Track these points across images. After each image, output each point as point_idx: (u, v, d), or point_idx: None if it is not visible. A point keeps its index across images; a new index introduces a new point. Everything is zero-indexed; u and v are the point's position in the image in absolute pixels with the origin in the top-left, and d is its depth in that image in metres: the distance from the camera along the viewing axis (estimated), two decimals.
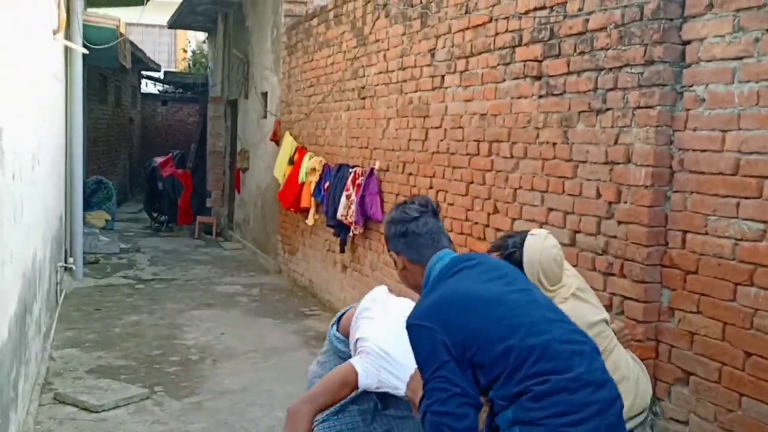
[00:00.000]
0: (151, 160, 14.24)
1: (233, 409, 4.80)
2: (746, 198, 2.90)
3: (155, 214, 13.46)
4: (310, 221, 7.68)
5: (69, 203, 8.03)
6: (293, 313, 7.44)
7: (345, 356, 2.81)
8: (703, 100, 3.10)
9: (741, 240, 2.92)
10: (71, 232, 8.09)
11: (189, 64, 22.13)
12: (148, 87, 21.44)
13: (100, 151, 14.72)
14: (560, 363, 2.01)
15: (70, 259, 7.69)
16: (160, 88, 21.36)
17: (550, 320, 2.13)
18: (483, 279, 2.21)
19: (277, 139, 9.19)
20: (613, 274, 3.51)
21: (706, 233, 3.08)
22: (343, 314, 3.01)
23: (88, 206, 10.79)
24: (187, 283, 8.80)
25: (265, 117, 10.17)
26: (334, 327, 2.99)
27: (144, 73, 19.12)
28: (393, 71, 5.97)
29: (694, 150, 3.14)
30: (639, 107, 3.34)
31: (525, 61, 4.20)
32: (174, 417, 4.63)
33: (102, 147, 14.90)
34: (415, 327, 2.15)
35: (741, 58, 2.92)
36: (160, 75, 18.77)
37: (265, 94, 10.18)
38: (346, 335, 2.88)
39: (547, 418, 1.94)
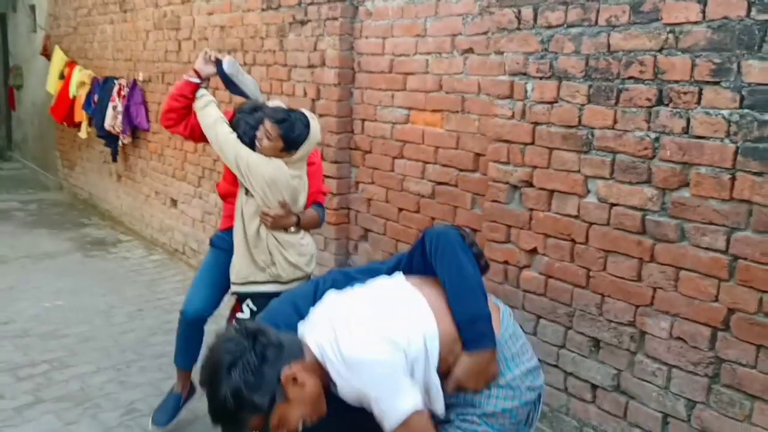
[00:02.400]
0: None
1: (1, 303, 5.13)
2: (397, 90, 3.75)
3: None
4: (83, 134, 7.83)
5: None
6: (71, 224, 7.67)
7: None
8: (371, 13, 3.88)
9: (395, 123, 3.79)
10: None
11: None
12: None
13: None
14: None
15: None
16: None
17: None
18: None
19: (47, 54, 9.04)
20: None
21: (376, 120, 3.92)
22: None
23: None
24: None
25: (34, 31, 9.87)
26: None
27: None
28: None
29: (366, 54, 3.94)
30: (329, 19, 4.07)
31: None
32: None
33: None
34: None
35: None
36: None
37: (32, 7, 9.85)
38: None
39: None
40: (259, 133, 2.93)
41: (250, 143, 2.96)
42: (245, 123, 3.02)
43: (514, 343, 2.01)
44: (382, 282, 2.04)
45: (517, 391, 1.95)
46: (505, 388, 1.94)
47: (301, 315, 1.94)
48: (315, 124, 3.00)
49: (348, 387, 1.76)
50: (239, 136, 2.98)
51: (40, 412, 3.61)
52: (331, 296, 1.97)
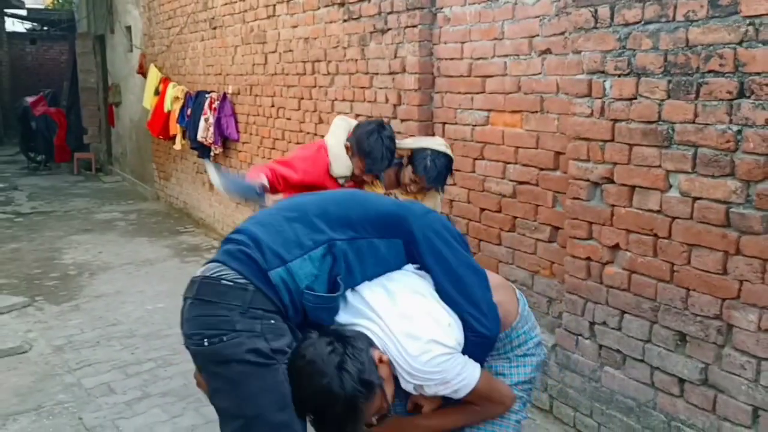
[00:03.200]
0: (22, 100, 14.14)
1: (107, 307, 5.51)
2: (476, 93, 3.83)
3: (31, 154, 13.52)
4: (177, 146, 8.26)
5: None
6: (168, 232, 8.11)
7: None
8: (449, 19, 3.98)
9: (475, 125, 3.87)
10: None
11: (56, 0, 21.41)
12: (15, 26, 20.66)
13: None
14: None
15: None
16: (28, 27, 20.63)
17: None
18: None
19: (143, 72, 9.58)
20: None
21: (456, 123, 4.02)
22: None
23: None
24: (65, 214, 9.25)
25: (131, 51, 10.47)
26: None
27: (7, 11, 18.47)
28: (236, 2, 6.59)
29: (445, 59, 4.04)
30: (408, 26, 4.20)
31: None
32: (54, 317, 5.31)
33: None
34: None
35: None
36: (24, 12, 18.19)
37: (129, 28, 10.46)
38: None
39: None
40: (405, 179, 3.11)
41: (388, 165, 3.10)
42: (381, 145, 3.03)
43: (530, 316, 2.12)
44: (405, 276, 1.94)
45: (536, 358, 2.08)
46: (529, 356, 2.06)
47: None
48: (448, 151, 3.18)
49: (408, 377, 1.81)
50: (377, 160, 3.02)
51: (148, 405, 3.88)
52: (366, 290, 1.89)
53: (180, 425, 3.65)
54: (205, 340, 1.76)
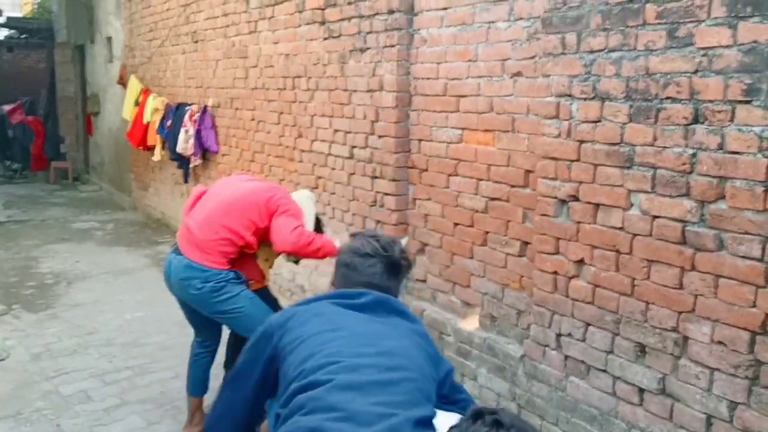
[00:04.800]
0: None
1: (86, 316, 5.56)
2: (451, 112, 3.98)
3: (7, 162, 13.46)
4: (156, 157, 8.32)
5: None
6: (146, 242, 8.16)
7: None
8: (426, 40, 4.13)
9: (450, 143, 4.01)
10: None
11: (35, 8, 21.29)
12: None
13: None
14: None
15: None
16: (6, 34, 20.50)
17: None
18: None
19: (123, 83, 9.63)
20: (377, 177, 4.55)
21: (431, 140, 4.16)
22: None
23: None
24: (42, 222, 9.25)
25: (111, 61, 10.53)
26: None
27: None
28: (218, 17, 6.70)
29: (422, 78, 4.19)
30: (386, 46, 4.34)
31: (313, 9, 5.09)
32: (31, 325, 5.35)
33: None
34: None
35: (445, 9, 3.96)
36: (2, 20, 18.08)
37: (110, 39, 10.52)
38: None
39: None
40: None
41: None
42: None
43: None
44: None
45: None
46: None
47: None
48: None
49: None
50: None
51: (126, 413, 3.95)
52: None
53: None
54: None
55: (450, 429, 1.48)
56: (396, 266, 2.06)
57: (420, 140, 4.26)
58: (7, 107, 13.65)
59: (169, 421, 3.85)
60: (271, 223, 3.45)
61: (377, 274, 2.02)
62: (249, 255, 3.57)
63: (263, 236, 3.50)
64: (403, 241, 3.56)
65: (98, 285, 6.41)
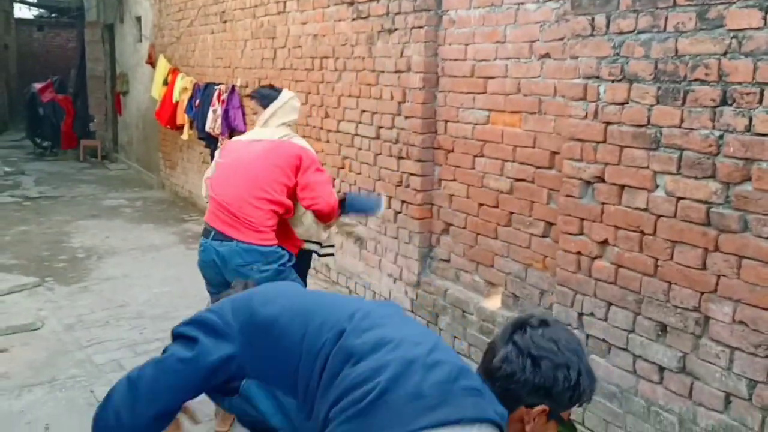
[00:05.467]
0: (30, 86, 14.30)
1: (116, 289, 5.70)
2: (478, 93, 4.01)
3: (38, 140, 13.69)
4: (184, 136, 8.43)
5: None
6: (173, 220, 8.30)
7: None
8: (454, 21, 4.16)
9: (476, 124, 4.05)
10: None
11: None
12: (22, 12, 20.83)
13: None
14: None
15: None
16: (36, 13, 20.81)
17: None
18: None
19: (152, 62, 9.75)
20: (403, 157, 4.61)
21: (458, 121, 4.20)
22: None
23: None
24: (72, 199, 9.43)
25: (140, 41, 10.65)
26: None
27: None
28: None
29: (449, 59, 4.22)
30: (414, 27, 4.38)
31: None
32: (63, 297, 5.50)
33: None
34: None
35: None
36: None
37: (139, 18, 10.63)
38: None
39: None
40: None
41: None
42: None
43: None
44: None
45: None
46: None
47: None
48: None
49: None
50: None
51: None
52: None
53: None
54: None
55: (504, 327, 1.59)
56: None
57: (446, 121, 4.30)
58: (37, 85, 13.88)
59: None
60: (304, 178, 3.33)
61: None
62: (286, 224, 3.49)
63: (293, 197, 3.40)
64: (383, 200, 3.80)
65: (127, 260, 6.55)
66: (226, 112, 7.17)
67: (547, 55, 3.56)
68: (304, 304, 1.73)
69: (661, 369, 2.96)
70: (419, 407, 1.40)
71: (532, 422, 1.53)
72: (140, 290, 5.67)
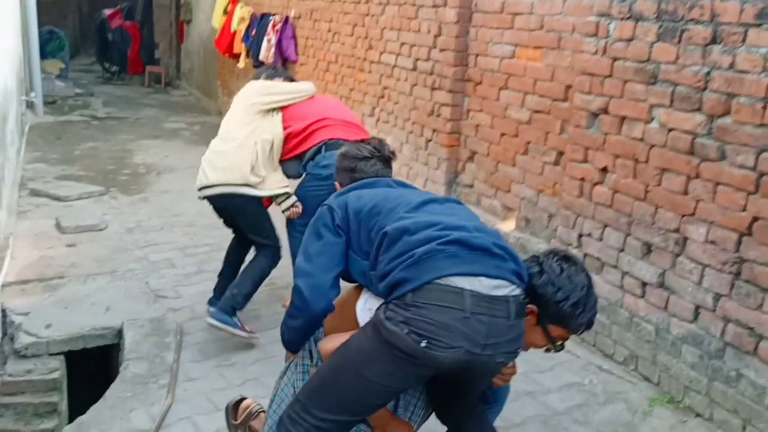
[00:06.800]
0: (100, 12, 14.88)
1: (172, 201, 6.24)
2: (506, 29, 4.27)
3: (107, 64, 14.34)
4: (241, 64, 8.85)
5: (26, 48, 9.00)
6: None
7: None
8: None
9: (503, 58, 4.32)
10: (30, 73, 9.12)
11: None
12: None
13: (50, 2, 15.25)
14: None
15: (32, 93, 8.78)
16: None
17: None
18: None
19: None
20: (436, 88, 4.91)
21: (487, 55, 4.47)
22: None
23: (42, 55, 11.63)
24: (136, 121, 10.03)
25: None
26: None
27: None
28: None
29: None
30: None
31: None
32: (125, 205, 6.07)
33: None
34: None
35: None
36: None
37: None
38: None
39: None
40: None
41: None
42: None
43: None
44: None
45: None
46: None
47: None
48: None
49: None
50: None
51: (202, 278, 4.59)
52: None
53: None
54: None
55: (529, 258, 2.05)
56: (389, 160, 2.52)
57: (477, 55, 4.58)
58: (107, 11, 14.44)
59: None
60: None
61: (379, 169, 2.46)
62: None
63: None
64: None
65: (183, 177, 7.07)
66: (279, 42, 7.53)
67: None
68: (377, 199, 2.16)
69: (644, 284, 3.29)
70: (458, 261, 1.88)
71: (528, 316, 1.96)
72: (193, 203, 6.14)
